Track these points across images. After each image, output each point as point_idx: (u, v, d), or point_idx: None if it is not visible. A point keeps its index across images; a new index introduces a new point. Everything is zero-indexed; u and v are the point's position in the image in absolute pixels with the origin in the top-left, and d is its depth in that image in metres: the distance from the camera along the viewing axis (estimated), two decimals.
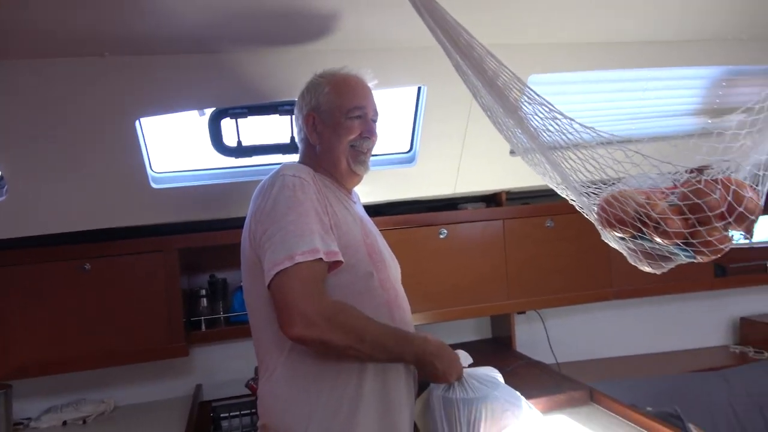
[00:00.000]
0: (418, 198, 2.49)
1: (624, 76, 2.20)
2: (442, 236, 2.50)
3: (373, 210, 2.48)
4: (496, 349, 2.82)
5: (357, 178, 1.57)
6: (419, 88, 2.08)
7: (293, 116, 1.97)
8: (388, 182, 2.29)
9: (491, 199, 2.72)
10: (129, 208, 2.09)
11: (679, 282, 2.80)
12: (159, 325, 2.23)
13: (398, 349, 1.38)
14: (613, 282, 2.71)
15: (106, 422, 2.31)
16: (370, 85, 1.58)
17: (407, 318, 1.53)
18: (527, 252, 2.60)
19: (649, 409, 2.04)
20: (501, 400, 1.53)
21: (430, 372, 1.44)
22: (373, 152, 1.59)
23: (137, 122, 1.89)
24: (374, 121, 1.56)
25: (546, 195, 2.70)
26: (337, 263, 1.32)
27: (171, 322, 2.23)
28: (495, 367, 1.69)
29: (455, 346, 1.59)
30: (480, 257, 2.55)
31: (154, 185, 2.05)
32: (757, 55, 2.14)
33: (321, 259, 1.27)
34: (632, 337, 3.09)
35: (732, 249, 3.21)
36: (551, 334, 2.85)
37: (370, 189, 2.23)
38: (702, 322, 3.19)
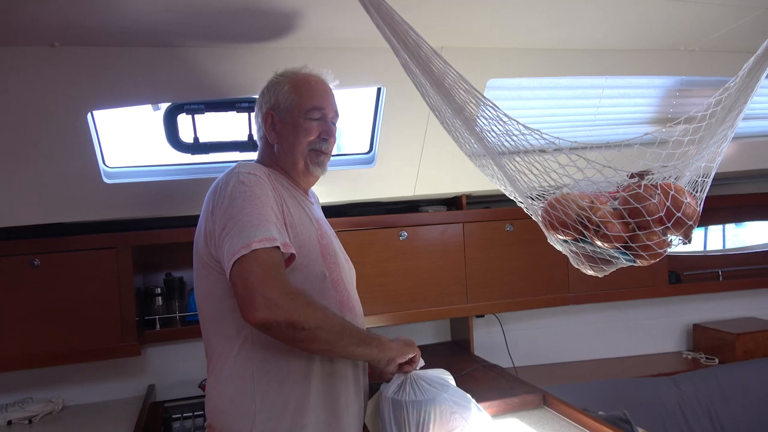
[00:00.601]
0: (378, 199, 2.49)
1: (581, 83, 2.24)
2: (402, 238, 2.50)
3: (335, 210, 2.48)
4: (455, 352, 2.83)
5: (314, 179, 1.57)
6: (379, 89, 2.08)
7: (252, 114, 1.97)
8: (347, 183, 2.28)
9: (452, 203, 2.73)
10: (80, 203, 2.04)
11: (634, 289, 2.86)
12: (111, 323, 2.17)
13: (362, 333, 1.37)
14: (571, 287, 2.74)
15: (54, 422, 2.25)
16: (331, 85, 1.57)
17: (359, 321, 1.51)
18: (487, 256, 2.62)
19: (600, 413, 2.07)
20: (449, 402, 1.53)
21: (391, 351, 1.43)
22: (332, 153, 1.59)
23: (89, 115, 1.85)
24: (334, 123, 1.55)
25: (506, 199, 2.70)
26: (291, 258, 1.31)
27: (123, 320, 2.18)
28: (452, 370, 1.69)
29: None
30: (440, 260, 2.56)
31: (106, 180, 2.01)
32: (707, 66, 2.19)
33: (278, 248, 1.25)
34: (589, 342, 3.13)
35: (686, 257, 3.29)
36: (509, 337, 2.88)
37: (329, 189, 2.22)
38: (656, 329, 3.25)
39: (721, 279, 3.19)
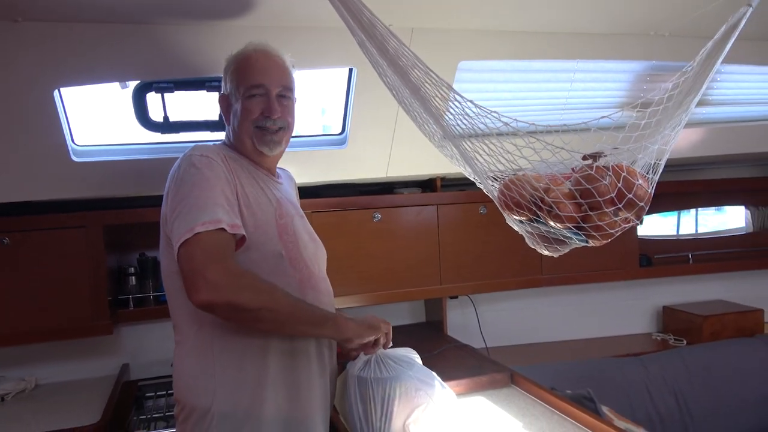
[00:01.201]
0: (351, 180, 2.50)
1: (553, 66, 2.25)
2: (376, 220, 2.51)
3: (309, 191, 2.48)
4: (428, 333, 2.87)
5: (266, 158, 1.53)
6: (350, 70, 2.08)
7: None
8: (319, 164, 2.29)
9: (427, 185, 2.74)
10: (49, 181, 2.03)
11: (606, 271, 2.91)
12: (82, 302, 2.18)
13: (316, 312, 1.38)
14: (544, 269, 2.78)
15: (27, 400, 2.26)
16: (282, 58, 1.52)
17: (324, 300, 1.52)
18: (460, 238, 2.65)
19: (567, 392, 2.12)
20: (414, 380, 1.56)
21: (347, 332, 1.43)
22: (297, 132, 1.58)
23: (56, 92, 1.83)
24: (284, 97, 1.50)
25: None
26: (243, 240, 1.32)
27: (95, 299, 2.19)
28: (424, 349, 1.72)
29: None
30: (414, 242, 2.58)
31: (75, 158, 2.00)
32: (677, 51, 2.21)
33: (224, 229, 1.26)
34: (560, 323, 3.18)
35: (657, 240, 3.33)
36: (482, 318, 2.92)
37: (302, 170, 2.22)
38: (627, 310, 3.31)
39: (691, 262, 3.25)
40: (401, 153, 2.35)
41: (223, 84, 1.54)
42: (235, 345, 1.36)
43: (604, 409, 2.09)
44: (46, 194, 2.07)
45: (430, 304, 3.00)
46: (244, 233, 1.31)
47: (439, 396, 1.57)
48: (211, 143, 1.52)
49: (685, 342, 3.04)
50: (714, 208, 3.69)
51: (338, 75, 2.17)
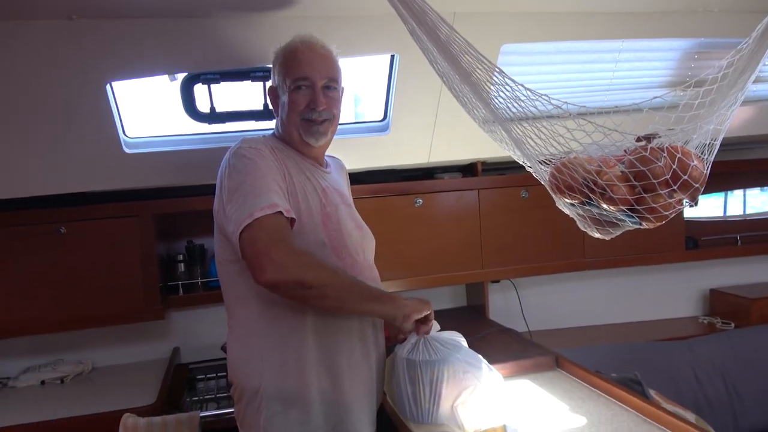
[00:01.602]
0: (393, 166, 2.51)
1: (596, 47, 2.21)
2: (417, 205, 2.53)
3: (353, 178, 2.50)
4: (470, 317, 2.88)
5: (315, 149, 1.57)
6: (392, 56, 2.09)
7: (266, 84, 2.01)
8: (361, 150, 2.31)
9: (468, 170, 2.74)
10: (102, 173, 2.11)
11: (651, 254, 2.86)
12: (135, 288, 2.26)
13: (373, 290, 1.43)
14: (587, 253, 2.75)
15: (84, 382, 2.36)
16: (327, 50, 1.54)
17: None
18: (502, 222, 2.64)
19: (613, 375, 2.10)
20: (462, 362, 1.58)
21: (405, 308, 1.47)
22: (341, 120, 1.60)
23: (108, 86, 1.89)
24: (329, 89, 1.52)
25: (522, 166, 2.72)
26: (292, 222, 1.36)
27: (147, 286, 2.27)
28: (467, 333, 1.74)
29: None
30: (455, 226, 2.59)
31: (127, 150, 2.06)
32: (727, 27, 2.15)
33: (281, 213, 1.30)
34: (604, 307, 3.15)
35: (704, 222, 3.26)
36: (524, 302, 2.91)
37: (344, 156, 2.22)
38: (673, 294, 3.25)
39: (739, 244, 3.17)
40: (443, 138, 2.35)
41: (272, 76, 1.57)
42: (277, 328, 1.41)
43: (652, 393, 2.08)
44: (100, 185, 2.14)
45: (472, 289, 3.01)
46: (294, 217, 1.35)
47: (486, 378, 1.59)
48: (259, 135, 1.55)
49: (733, 325, 2.99)
50: (759, 188, 3.59)
51: (370, 63, 2.18)
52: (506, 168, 2.84)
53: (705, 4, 2.06)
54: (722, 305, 3.14)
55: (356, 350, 1.49)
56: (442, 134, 2.33)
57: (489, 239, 2.63)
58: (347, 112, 2.47)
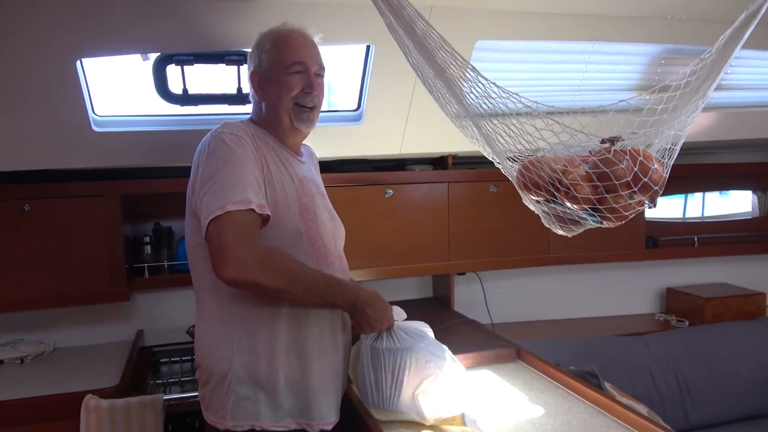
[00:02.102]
0: (365, 156, 2.53)
1: (568, 48, 2.26)
2: (388, 195, 2.55)
3: (323, 167, 2.50)
4: (436, 308, 2.92)
5: (301, 135, 1.59)
6: (368, 47, 2.10)
7: (242, 67, 1.99)
8: (335, 139, 2.32)
9: (438, 162, 2.77)
10: (69, 151, 2.07)
11: (612, 252, 2.95)
12: (100, 269, 2.23)
13: (330, 294, 1.44)
14: (551, 248, 2.82)
15: (45, 363, 2.33)
16: (315, 39, 1.58)
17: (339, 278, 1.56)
18: (470, 215, 2.68)
19: (571, 368, 2.17)
20: (425, 352, 1.61)
21: (361, 318, 1.49)
22: (321, 109, 1.61)
23: (78, 63, 1.86)
24: (319, 76, 1.56)
25: (491, 161, 2.77)
26: (267, 218, 1.37)
27: (112, 266, 2.24)
28: (432, 324, 1.77)
29: (396, 303, 1.66)
30: (424, 218, 2.62)
31: (95, 128, 2.03)
32: (694, 35, 2.21)
33: (253, 210, 1.31)
34: (565, 302, 3.23)
35: (664, 222, 3.35)
36: (489, 295, 2.97)
37: (317, 145, 2.24)
38: (632, 291, 3.36)
39: (696, 245, 3.29)
40: (415, 130, 2.37)
41: (254, 60, 1.55)
42: (250, 314, 1.42)
43: (607, 386, 2.15)
44: (67, 163, 2.10)
45: (438, 280, 3.06)
46: (269, 213, 1.36)
47: (448, 368, 1.62)
48: (238, 120, 1.54)
49: (687, 323, 3.10)
50: (717, 192, 3.71)
51: (345, 52, 2.19)
52: (476, 163, 2.88)
53: (674, 12, 2.12)
54: (678, 303, 3.26)
55: (326, 337, 1.51)
56: (415, 126, 2.36)
57: (456, 232, 2.67)
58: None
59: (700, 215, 3.60)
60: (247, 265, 1.26)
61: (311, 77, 1.53)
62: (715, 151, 3.35)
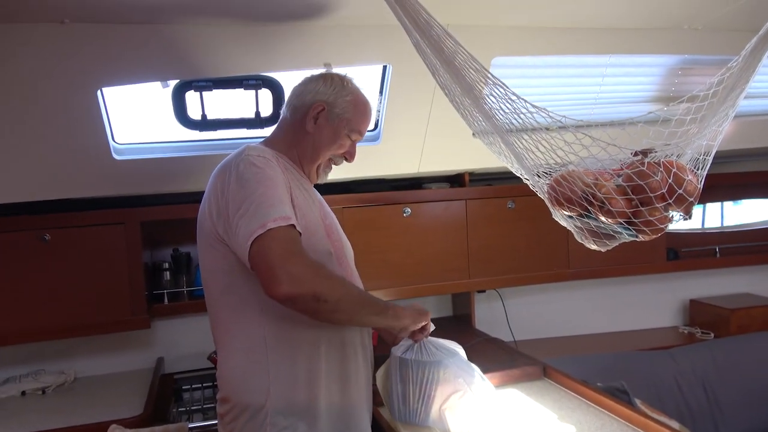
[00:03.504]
0: (383, 176, 2.52)
1: (585, 61, 2.26)
2: (406, 215, 2.54)
3: (341, 187, 2.52)
4: (457, 326, 2.89)
5: (314, 181, 1.61)
6: (384, 67, 2.10)
7: (258, 92, 1.99)
8: None
9: (455, 180, 2.76)
10: (90, 179, 2.08)
11: (633, 265, 2.91)
12: (121, 297, 2.23)
13: (376, 304, 1.42)
14: (571, 263, 2.79)
15: (66, 393, 2.31)
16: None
17: None
18: (488, 232, 2.67)
19: (599, 384, 2.13)
20: (454, 367, 1.59)
21: (406, 316, 1.49)
22: None
23: (99, 92, 1.87)
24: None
25: (508, 177, 2.73)
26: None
27: (133, 294, 2.24)
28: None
29: None
30: (442, 236, 2.60)
31: (116, 156, 2.04)
32: (710, 45, 2.21)
33: (293, 225, 1.27)
34: (587, 317, 3.19)
35: (684, 234, 3.32)
36: (510, 312, 2.94)
37: (334, 165, 2.25)
38: (654, 304, 3.31)
39: (718, 255, 3.25)
40: (433, 148, 2.37)
41: (324, 92, 1.52)
42: (290, 339, 1.37)
43: (637, 402, 2.11)
44: (88, 192, 2.11)
45: (458, 298, 3.03)
46: (301, 231, 1.32)
47: (477, 385, 1.60)
48: (258, 144, 1.52)
49: (712, 335, 3.05)
50: (732, 201, 3.67)
51: (360, 72, 2.19)
52: (493, 179, 2.87)
53: (690, 22, 2.12)
54: (702, 315, 3.21)
55: (359, 357, 1.49)
56: (433, 145, 2.35)
57: (476, 249, 2.65)
58: None
59: (719, 225, 3.56)
60: (302, 278, 1.20)
61: (355, 147, 1.60)
62: (731, 160, 3.33)
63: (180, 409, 2.32)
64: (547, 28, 2.08)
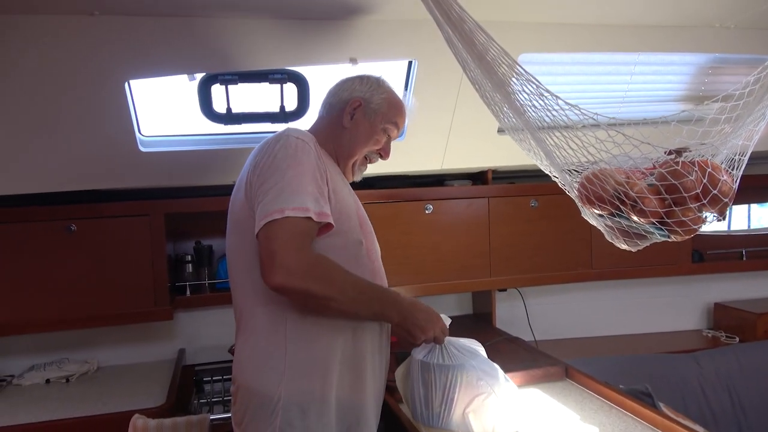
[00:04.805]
0: (406, 172, 2.51)
1: (613, 59, 2.23)
2: (428, 211, 2.53)
3: (363, 182, 2.50)
4: (477, 325, 2.88)
5: (349, 179, 1.61)
6: (410, 62, 2.09)
7: (284, 86, 2.00)
8: None
9: (477, 177, 2.74)
10: (116, 171, 2.10)
11: (657, 266, 2.87)
12: (144, 288, 2.25)
13: (380, 304, 1.40)
14: (594, 263, 2.76)
15: (89, 382, 2.34)
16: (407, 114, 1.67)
17: None
18: (510, 230, 2.65)
19: (621, 386, 2.10)
20: (477, 370, 1.57)
21: (412, 325, 1.44)
22: None
23: (126, 84, 1.88)
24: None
25: (531, 175, 2.74)
26: (328, 226, 1.34)
27: (156, 285, 2.25)
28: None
29: None
30: (464, 234, 2.59)
31: (142, 148, 2.06)
32: (742, 43, 2.17)
33: (310, 218, 1.29)
34: (609, 318, 3.16)
35: (710, 235, 3.27)
36: (530, 311, 2.91)
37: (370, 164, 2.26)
38: (678, 306, 3.26)
39: (744, 258, 3.19)
40: (457, 145, 2.36)
41: (361, 89, 1.56)
42: (308, 324, 1.36)
43: (661, 405, 2.08)
44: (114, 183, 2.14)
45: (478, 296, 3.01)
46: (331, 221, 1.33)
47: (501, 388, 1.58)
48: (303, 130, 1.50)
49: (737, 339, 2.99)
50: (758, 204, 3.60)
51: (384, 67, 2.18)
52: (516, 177, 2.85)
53: (721, 20, 2.08)
54: (726, 319, 3.15)
55: (376, 353, 1.48)
56: (456, 141, 2.34)
57: (497, 247, 2.64)
58: None
59: (746, 227, 3.49)
60: (295, 273, 1.23)
61: (390, 144, 1.63)
62: (758, 162, 3.26)
63: (201, 401, 2.33)
64: (575, 24, 2.05)
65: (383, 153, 1.62)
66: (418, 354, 1.60)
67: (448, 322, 1.61)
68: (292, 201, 1.26)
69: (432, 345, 1.59)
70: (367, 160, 1.62)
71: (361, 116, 1.54)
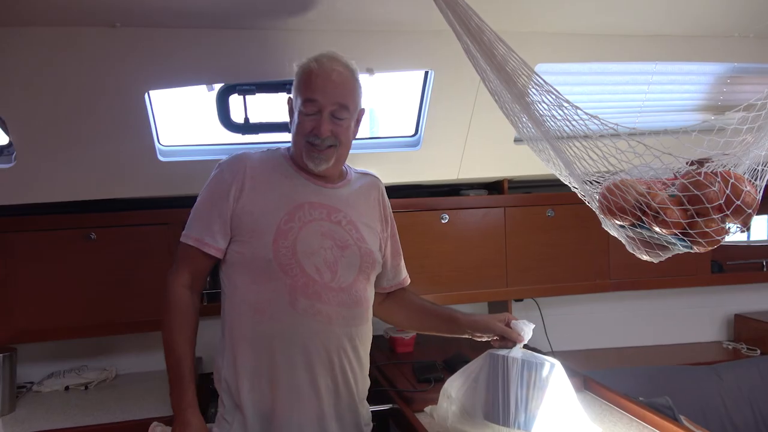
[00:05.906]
0: (422, 182, 2.51)
1: (630, 69, 2.22)
2: (444, 221, 2.52)
3: None
4: None
5: (316, 169, 1.53)
6: (426, 73, 2.10)
7: None
8: (392, 165, 2.31)
9: (493, 187, 2.74)
10: (136, 180, 2.12)
11: (676, 277, 2.84)
12: (162, 296, 2.25)
13: (170, 374, 1.60)
14: (612, 274, 2.74)
15: (108, 389, 2.35)
16: (344, 73, 1.49)
17: (331, 312, 1.48)
18: (527, 240, 2.63)
19: (641, 399, 2.08)
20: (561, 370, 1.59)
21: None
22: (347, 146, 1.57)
23: (146, 95, 1.91)
24: (338, 117, 1.48)
25: (548, 185, 2.72)
26: (216, 253, 1.54)
27: None
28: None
29: None
30: (480, 244, 2.58)
31: (161, 158, 2.08)
32: (762, 53, 2.15)
33: (197, 247, 1.52)
34: (627, 329, 3.11)
35: (730, 246, 3.23)
36: (547, 322, 2.89)
37: (375, 170, 2.25)
38: (697, 318, 3.21)
39: (765, 269, 3.14)
40: (473, 155, 2.36)
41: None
42: (246, 330, 1.55)
43: (682, 419, 2.05)
44: (133, 192, 2.16)
45: (494, 307, 2.99)
46: (209, 251, 1.52)
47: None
48: (265, 148, 1.67)
49: (759, 352, 2.94)
50: None
51: (401, 77, 2.20)
52: (532, 186, 2.84)
53: (741, 30, 2.06)
54: (747, 331, 3.10)
55: (299, 371, 1.49)
56: (473, 151, 2.34)
57: (513, 257, 2.62)
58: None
59: (766, 238, 3.44)
60: (166, 285, 1.56)
61: (323, 118, 1.46)
62: None
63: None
64: (592, 34, 2.05)
65: (316, 131, 1.46)
66: (516, 352, 1.57)
67: (531, 327, 1.60)
68: (192, 229, 1.54)
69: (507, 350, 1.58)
70: (314, 146, 1.48)
71: (291, 112, 1.58)
